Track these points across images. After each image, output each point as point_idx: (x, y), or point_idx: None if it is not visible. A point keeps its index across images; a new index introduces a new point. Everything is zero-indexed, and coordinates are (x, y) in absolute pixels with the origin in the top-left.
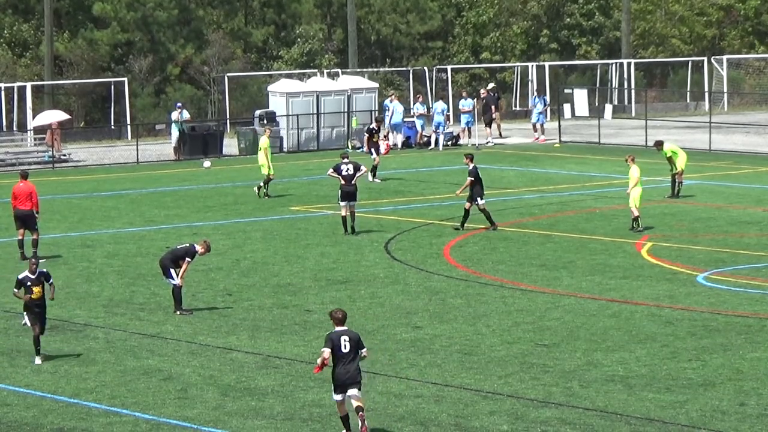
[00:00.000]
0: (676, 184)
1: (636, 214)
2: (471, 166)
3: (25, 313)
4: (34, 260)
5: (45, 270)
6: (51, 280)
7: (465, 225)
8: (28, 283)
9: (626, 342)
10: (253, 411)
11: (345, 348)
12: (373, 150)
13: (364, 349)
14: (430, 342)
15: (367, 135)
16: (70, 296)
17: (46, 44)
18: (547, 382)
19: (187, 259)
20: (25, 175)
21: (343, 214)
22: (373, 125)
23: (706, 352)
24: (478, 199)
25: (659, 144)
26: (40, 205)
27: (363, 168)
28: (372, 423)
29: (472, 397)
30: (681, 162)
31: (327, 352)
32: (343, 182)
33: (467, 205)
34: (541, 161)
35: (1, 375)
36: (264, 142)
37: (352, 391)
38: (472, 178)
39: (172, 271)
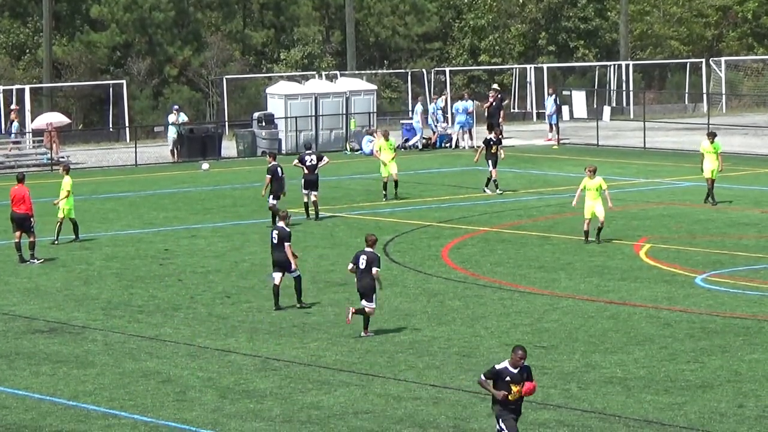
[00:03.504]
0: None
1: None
2: (271, 164)
3: (498, 412)
4: (521, 353)
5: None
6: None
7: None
8: (507, 378)
9: (624, 344)
10: (251, 413)
11: (362, 264)
12: (489, 162)
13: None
14: (428, 344)
15: (483, 146)
16: (68, 298)
17: (44, 47)
18: (545, 384)
19: (286, 243)
20: (20, 178)
21: (305, 200)
22: (491, 135)
23: (705, 353)
24: (270, 197)
25: (712, 135)
26: (38, 207)
27: (326, 159)
28: (370, 425)
29: (470, 399)
30: (714, 166)
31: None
32: (306, 171)
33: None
34: (539, 163)
35: (0, 378)
36: (376, 144)
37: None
38: (270, 176)
39: (292, 262)
